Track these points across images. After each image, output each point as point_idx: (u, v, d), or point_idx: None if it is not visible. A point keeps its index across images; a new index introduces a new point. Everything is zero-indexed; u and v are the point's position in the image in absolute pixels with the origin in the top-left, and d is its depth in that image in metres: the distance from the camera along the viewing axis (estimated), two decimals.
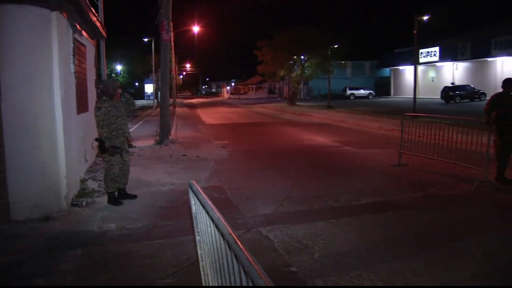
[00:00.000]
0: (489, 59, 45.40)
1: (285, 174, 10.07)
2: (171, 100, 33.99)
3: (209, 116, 31.99)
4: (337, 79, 60.54)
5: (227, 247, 2.19)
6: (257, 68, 56.49)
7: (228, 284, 2.30)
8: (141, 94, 77.99)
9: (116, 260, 5.26)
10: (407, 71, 59.07)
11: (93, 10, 10.41)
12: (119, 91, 7.62)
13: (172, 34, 31.29)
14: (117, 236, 6.13)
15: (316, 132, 19.61)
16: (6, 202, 6.53)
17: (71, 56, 8.39)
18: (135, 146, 14.38)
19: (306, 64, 51.91)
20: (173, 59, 42.49)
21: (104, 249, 5.66)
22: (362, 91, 60.96)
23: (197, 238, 3.22)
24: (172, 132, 18.88)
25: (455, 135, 9.76)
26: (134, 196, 7.97)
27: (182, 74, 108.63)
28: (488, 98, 9.22)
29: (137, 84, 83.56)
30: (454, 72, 51.98)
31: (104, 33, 12.98)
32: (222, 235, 2.24)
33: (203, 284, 3.22)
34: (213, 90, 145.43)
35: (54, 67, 6.85)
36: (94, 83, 11.96)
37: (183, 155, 12.97)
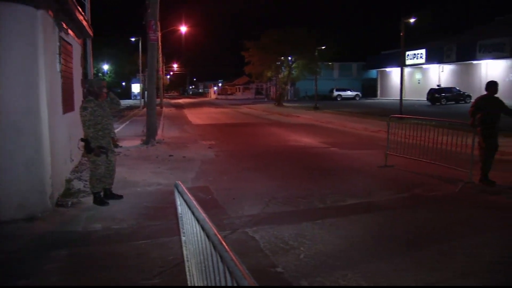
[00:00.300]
0: (474, 61, 45.86)
1: (272, 175, 10.09)
2: (158, 100, 33.88)
3: (196, 117, 31.93)
4: (324, 80, 60.66)
5: (212, 247, 2.19)
6: (244, 68, 56.38)
7: (213, 285, 2.30)
8: (128, 94, 77.54)
9: (102, 261, 5.23)
10: (394, 73, 59.42)
11: (79, 9, 10.34)
12: (105, 90, 7.57)
13: (159, 34, 31.19)
14: (103, 236, 6.10)
15: (303, 133, 19.67)
16: None
17: (57, 55, 8.33)
18: (121, 146, 14.32)
19: (293, 65, 51.94)
20: (160, 59, 42.33)
21: (89, 249, 5.63)
22: (349, 93, 61.24)
23: (183, 238, 3.22)
24: (159, 132, 18.81)
25: (441, 137, 9.84)
26: (120, 197, 7.92)
27: (169, 74, 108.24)
28: (473, 100, 9.31)
29: (124, 84, 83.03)
30: (440, 74, 52.41)
31: (90, 32, 12.90)
32: (208, 236, 2.24)
33: (189, 285, 3.21)
34: (200, 90, 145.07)
35: (39, 66, 6.79)
36: (80, 83, 11.88)
37: (170, 156, 12.93)
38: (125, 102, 54.33)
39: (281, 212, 7.23)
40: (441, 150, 9.77)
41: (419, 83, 56.33)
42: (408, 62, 53.50)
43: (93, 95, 7.43)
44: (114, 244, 5.77)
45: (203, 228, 2.35)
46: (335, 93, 60.44)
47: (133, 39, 47.30)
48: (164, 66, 65.55)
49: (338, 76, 71.67)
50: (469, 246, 5.61)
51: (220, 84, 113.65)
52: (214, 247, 2.12)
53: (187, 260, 3.23)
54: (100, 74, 66.86)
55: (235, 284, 1.80)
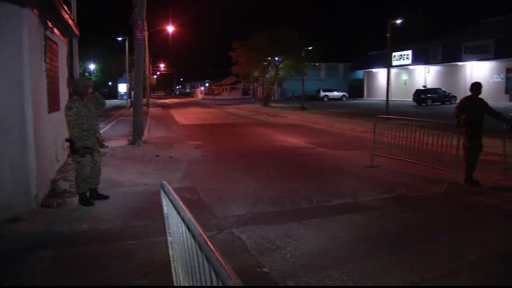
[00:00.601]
0: (460, 63, 46.37)
1: (258, 175, 10.10)
2: (145, 100, 33.74)
3: (183, 117, 31.84)
4: (311, 81, 60.86)
5: (198, 247, 2.19)
6: (231, 68, 56.35)
7: (199, 285, 2.30)
8: (114, 93, 77.07)
9: (88, 262, 5.20)
10: (380, 73, 59.78)
11: (65, 7, 10.26)
12: (91, 90, 7.52)
13: (146, 33, 31.04)
14: (89, 237, 6.06)
15: (290, 133, 19.71)
16: None
17: (43, 54, 8.26)
18: (107, 146, 14.24)
19: (281, 66, 51.98)
20: (147, 59, 42.15)
21: (75, 250, 5.59)
22: (335, 93, 61.53)
23: (169, 239, 3.21)
24: (146, 132, 18.73)
25: (426, 137, 9.92)
26: (106, 197, 7.88)
27: (156, 74, 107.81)
28: (458, 101, 9.41)
29: (110, 83, 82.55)
30: (426, 75, 52.87)
31: (76, 31, 12.81)
32: (193, 236, 2.24)
33: (175, 285, 3.21)
34: (187, 90, 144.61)
35: (24, 64, 6.73)
36: (66, 82, 11.79)
37: (156, 156, 12.89)
38: (111, 102, 54.11)
39: (267, 212, 7.24)
40: (426, 151, 9.84)
41: (405, 84, 56.74)
42: (394, 63, 53.88)
43: (79, 94, 7.38)
44: (100, 245, 5.74)
45: (188, 228, 2.35)
46: (322, 93, 60.69)
47: (119, 39, 46.95)
48: (151, 66, 65.29)
49: (325, 76, 71.93)
50: (453, 246, 5.67)
51: (207, 84, 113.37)
52: (200, 247, 2.12)
53: (173, 261, 3.22)
54: (86, 74, 66.44)
55: (220, 284, 1.81)
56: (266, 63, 53.19)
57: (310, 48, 46.79)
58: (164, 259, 5.01)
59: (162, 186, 3.04)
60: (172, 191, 2.85)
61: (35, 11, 7.55)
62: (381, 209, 7.42)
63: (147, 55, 41.35)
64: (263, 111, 37.61)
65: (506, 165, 9.37)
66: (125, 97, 59.40)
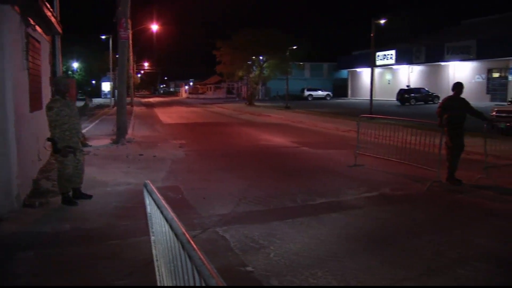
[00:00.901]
0: (442, 63, 46.83)
1: (242, 174, 10.10)
2: (129, 99, 33.53)
3: (167, 116, 31.71)
4: (295, 80, 60.92)
5: (180, 247, 2.18)
6: (215, 68, 56.25)
7: (182, 284, 2.30)
8: (98, 92, 76.40)
9: (71, 262, 5.16)
10: (364, 73, 60.10)
11: (47, 5, 10.14)
12: (72, 89, 7.44)
13: (130, 32, 30.84)
14: (72, 237, 6.01)
15: (274, 132, 19.74)
16: None
17: (24, 52, 8.16)
18: (90, 145, 14.12)
19: (265, 65, 52.05)
20: (131, 58, 41.89)
21: (58, 250, 5.54)
22: (320, 92, 61.73)
23: (152, 238, 3.20)
24: (129, 131, 18.63)
25: (410, 136, 10.02)
26: (90, 196, 7.81)
27: (140, 73, 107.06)
28: (440, 101, 9.51)
29: (94, 82, 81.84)
30: (410, 75, 53.28)
31: (59, 29, 12.67)
32: (176, 235, 2.23)
33: (158, 285, 3.20)
34: (172, 89, 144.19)
35: (4, 62, 6.66)
36: (49, 81, 11.67)
37: (140, 155, 12.82)
38: (95, 101, 53.63)
39: (251, 211, 7.25)
40: (410, 150, 9.93)
41: (389, 83, 57.12)
42: (378, 62, 54.18)
43: (60, 94, 7.31)
44: (83, 245, 5.70)
45: (171, 227, 2.34)
46: (306, 93, 60.83)
47: (103, 37, 46.59)
48: (135, 65, 64.90)
49: (309, 76, 72.14)
50: (435, 244, 5.73)
51: (191, 83, 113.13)
52: (182, 246, 2.12)
53: (157, 260, 3.21)
54: (69, 72, 65.79)
55: (203, 284, 1.80)
56: (250, 63, 53.21)
57: (294, 47, 46.89)
58: (147, 259, 4.98)
59: (145, 185, 3.03)
60: (155, 190, 2.84)
61: (16, 8, 7.46)
62: (364, 207, 7.47)
63: (131, 53, 41.16)
64: (247, 110, 37.63)
65: (487, 164, 9.49)
66: (108, 96, 58.91)
